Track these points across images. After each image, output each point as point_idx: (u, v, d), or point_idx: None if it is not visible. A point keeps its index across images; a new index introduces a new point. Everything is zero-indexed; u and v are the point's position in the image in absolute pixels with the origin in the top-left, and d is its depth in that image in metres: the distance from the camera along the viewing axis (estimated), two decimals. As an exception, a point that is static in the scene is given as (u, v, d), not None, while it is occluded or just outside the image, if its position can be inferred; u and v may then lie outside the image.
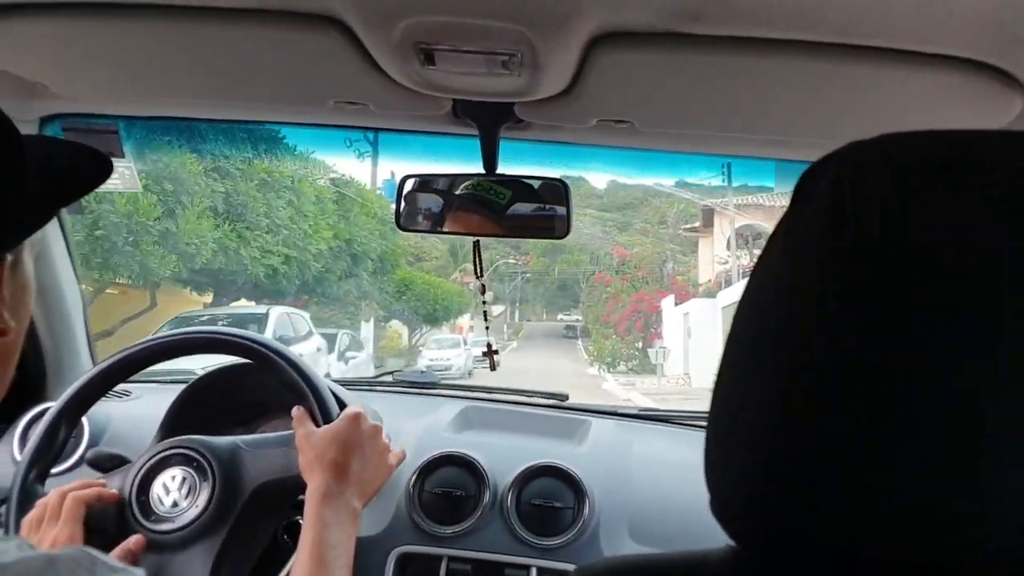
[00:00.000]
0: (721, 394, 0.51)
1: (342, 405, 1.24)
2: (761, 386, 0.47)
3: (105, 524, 1.17)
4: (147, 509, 1.19)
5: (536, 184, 1.37)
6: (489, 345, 1.72)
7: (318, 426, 1.17)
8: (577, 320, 38.72)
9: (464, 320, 30.72)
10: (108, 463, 1.28)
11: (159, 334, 1.34)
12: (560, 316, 43.65)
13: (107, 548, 1.13)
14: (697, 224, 27.34)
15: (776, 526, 0.47)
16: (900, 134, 0.45)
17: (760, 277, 0.50)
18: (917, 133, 0.45)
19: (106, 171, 0.71)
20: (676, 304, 23.87)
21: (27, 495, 1.19)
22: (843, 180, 0.44)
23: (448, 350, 22.06)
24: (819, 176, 0.46)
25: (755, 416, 0.47)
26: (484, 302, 1.64)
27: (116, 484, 1.22)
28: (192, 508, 1.18)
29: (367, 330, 19.97)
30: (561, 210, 1.35)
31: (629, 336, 26.23)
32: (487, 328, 1.70)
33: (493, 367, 1.71)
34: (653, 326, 25.75)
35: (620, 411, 1.86)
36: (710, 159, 1.47)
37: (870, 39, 0.92)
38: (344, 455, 1.10)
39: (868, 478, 0.42)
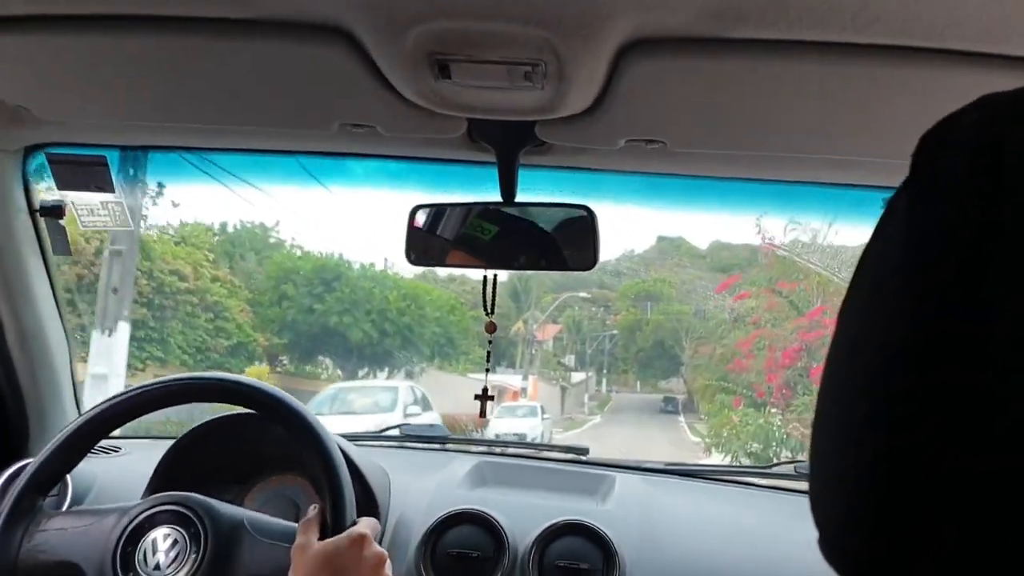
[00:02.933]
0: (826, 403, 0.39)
1: (366, 495, 1.09)
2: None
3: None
4: (129, 563, 1.06)
5: (558, 214, 1.28)
6: (485, 390, 1.60)
7: (325, 532, 1.02)
8: (676, 393, 30.93)
9: (509, 379, 22.80)
10: None
11: (157, 380, 1.20)
12: (659, 385, 35.15)
13: None
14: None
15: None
16: None
17: (868, 283, 0.38)
18: None
19: None
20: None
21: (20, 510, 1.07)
22: (984, 144, 0.33)
23: (375, 416, 11.28)
24: (944, 143, 0.35)
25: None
26: (490, 341, 1.53)
27: (108, 523, 1.09)
28: None
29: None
30: (586, 240, 1.25)
31: (798, 398, 11.95)
32: (487, 371, 1.58)
33: (483, 413, 1.57)
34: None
35: (645, 465, 1.75)
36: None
37: (935, 40, 0.83)
38: None
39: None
